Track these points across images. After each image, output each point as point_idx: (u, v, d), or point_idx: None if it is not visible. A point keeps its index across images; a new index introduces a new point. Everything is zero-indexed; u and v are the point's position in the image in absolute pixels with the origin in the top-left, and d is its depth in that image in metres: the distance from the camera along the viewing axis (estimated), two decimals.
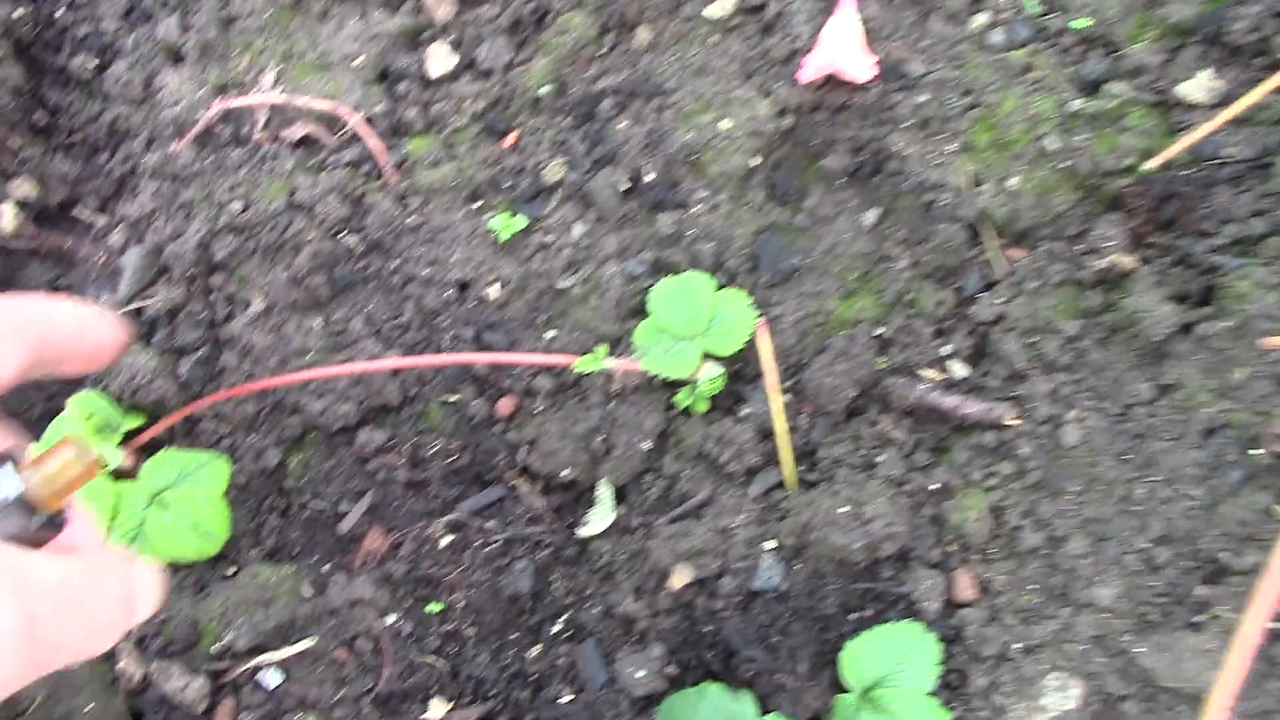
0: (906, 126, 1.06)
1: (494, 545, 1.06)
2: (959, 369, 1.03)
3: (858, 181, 1.08)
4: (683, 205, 1.08)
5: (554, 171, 1.09)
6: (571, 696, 1.04)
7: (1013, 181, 1.03)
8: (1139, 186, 1.00)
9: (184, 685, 1.02)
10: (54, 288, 1.14)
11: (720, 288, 1.05)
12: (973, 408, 1.00)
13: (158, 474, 1.05)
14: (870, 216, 1.07)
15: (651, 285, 1.06)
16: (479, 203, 1.11)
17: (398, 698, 1.05)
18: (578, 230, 1.08)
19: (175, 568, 1.07)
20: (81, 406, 1.05)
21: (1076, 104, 1.03)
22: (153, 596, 0.74)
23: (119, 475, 1.04)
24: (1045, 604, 0.97)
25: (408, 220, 1.10)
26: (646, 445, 1.04)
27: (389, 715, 1.04)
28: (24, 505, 0.67)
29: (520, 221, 1.09)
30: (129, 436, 1.08)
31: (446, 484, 1.08)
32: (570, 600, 1.07)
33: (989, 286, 1.04)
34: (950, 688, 0.98)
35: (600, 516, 1.06)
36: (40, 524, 0.68)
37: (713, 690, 0.96)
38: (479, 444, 1.09)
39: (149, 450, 1.08)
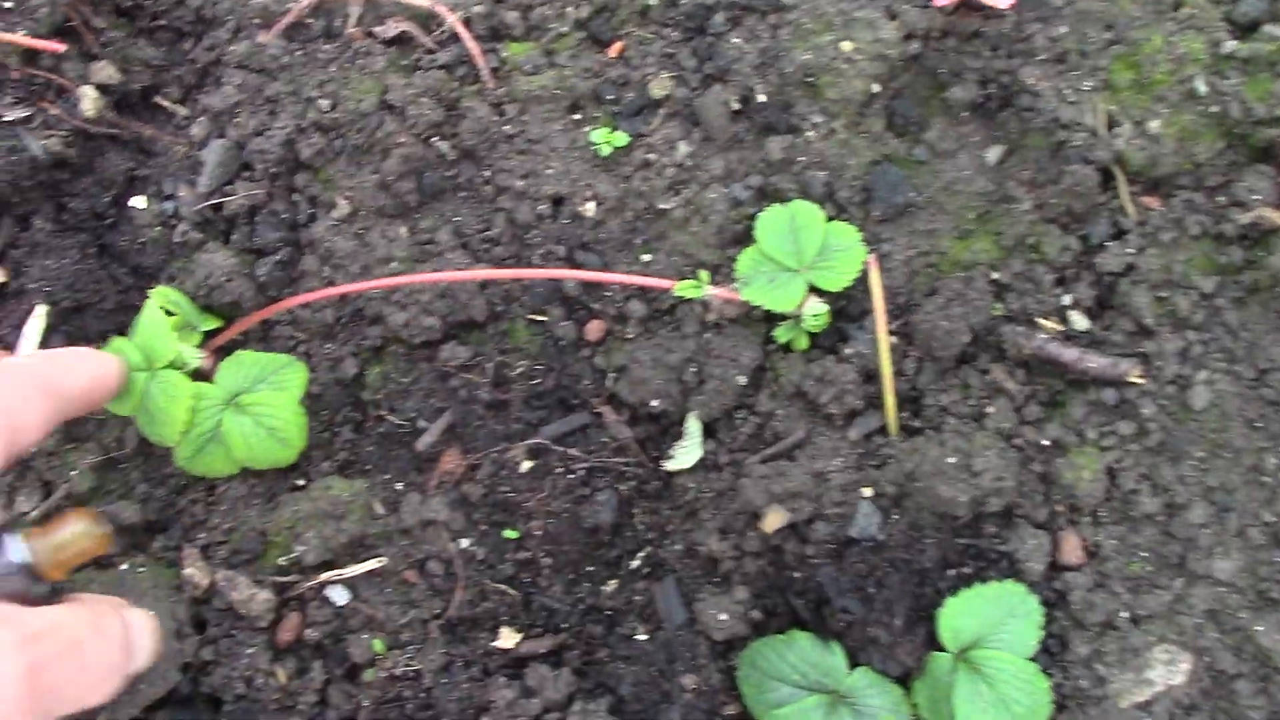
0: (1041, 60, 1.00)
1: (575, 474, 1.02)
2: (1080, 320, 0.97)
3: (984, 115, 1.02)
4: (795, 130, 1.02)
5: (660, 86, 1.04)
6: (647, 635, 1.00)
7: (1153, 125, 0.96)
8: None
9: (250, 596, 0.99)
10: (132, 177, 1.09)
11: (829, 219, 0.99)
12: (1095, 362, 0.94)
13: (235, 376, 1.00)
14: (994, 153, 1.01)
15: (757, 212, 1.00)
16: (579, 115, 1.05)
17: (467, 624, 1.01)
18: (682, 149, 1.03)
19: (245, 475, 1.04)
20: (163, 300, 1.01)
21: (1230, 45, 0.96)
22: (149, 643, 0.73)
23: (196, 376, 1.00)
24: (1157, 573, 0.92)
25: (503, 129, 1.05)
26: (741, 380, 0.99)
27: (457, 642, 1.00)
28: (28, 572, 0.69)
29: (621, 137, 1.04)
30: (207, 338, 1.05)
31: (529, 407, 1.04)
32: (651, 536, 1.02)
33: (1119, 235, 0.98)
34: (1050, 653, 0.93)
35: (688, 451, 1.02)
36: (42, 592, 0.70)
37: (801, 638, 0.92)
38: (565, 367, 1.04)
39: (223, 353, 1.04)
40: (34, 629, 0.62)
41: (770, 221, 0.98)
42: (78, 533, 0.74)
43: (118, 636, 0.69)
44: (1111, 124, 0.98)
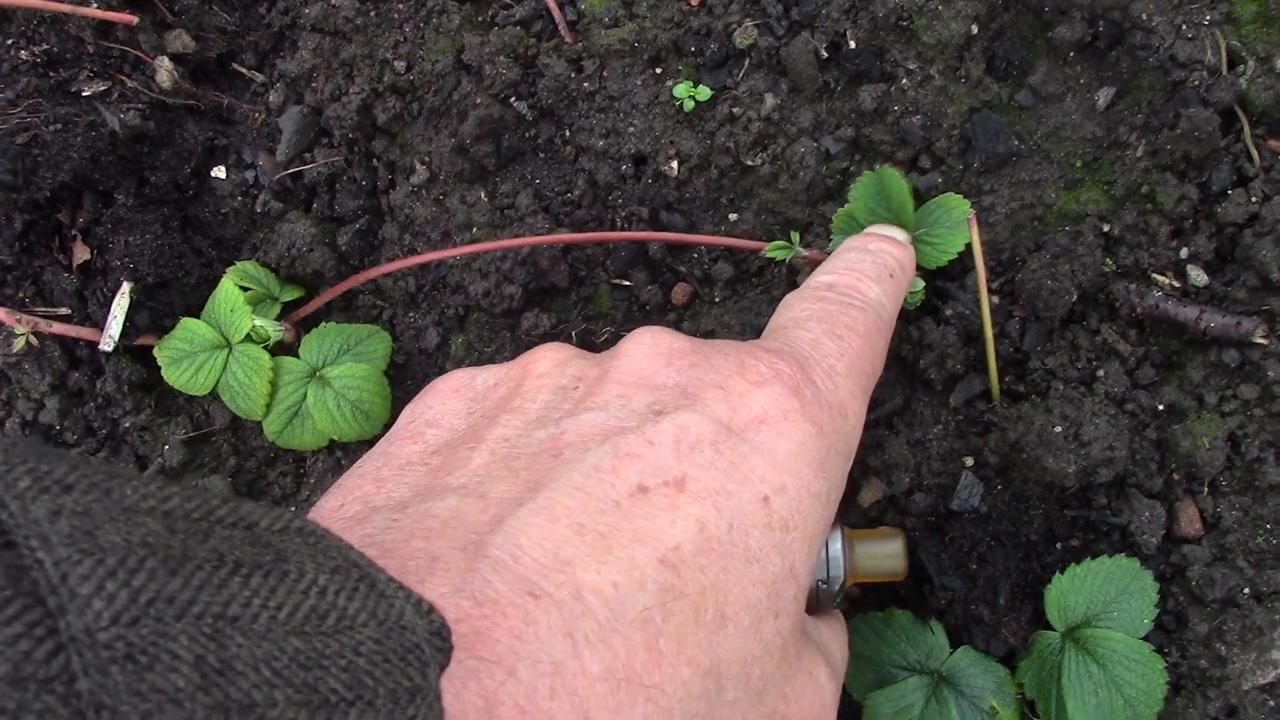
0: None
1: None
2: (1199, 276, 0.91)
3: (1092, 55, 0.95)
4: (889, 77, 0.96)
5: (745, 35, 0.98)
6: None
7: None
8: None
9: None
10: (212, 147, 1.08)
11: (926, 173, 0.94)
12: (1215, 321, 0.88)
13: (318, 348, 1.00)
14: (1104, 96, 0.94)
15: (848, 166, 0.95)
16: (660, 68, 1.01)
17: None
18: (769, 102, 0.98)
19: (333, 446, 1.03)
20: (239, 277, 1.00)
21: None
22: None
23: (281, 349, 0.99)
24: None
25: (582, 85, 1.01)
26: None
27: None
28: (837, 566, 0.69)
29: (705, 91, 0.99)
30: (288, 309, 1.04)
31: None
32: None
33: (1241, 183, 0.91)
34: (1166, 631, 0.88)
35: None
36: (836, 594, 0.70)
37: (900, 617, 0.89)
38: None
39: (309, 324, 1.03)
40: (831, 654, 0.66)
41: (867, 187, 0.92)
42: (891, 553, 0.76)
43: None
44: (1233, 61, 0.90)
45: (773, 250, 0.93)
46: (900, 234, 0.88)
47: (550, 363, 0.67)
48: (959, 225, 0.89)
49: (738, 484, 0.54)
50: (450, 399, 0.67)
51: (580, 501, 0.51)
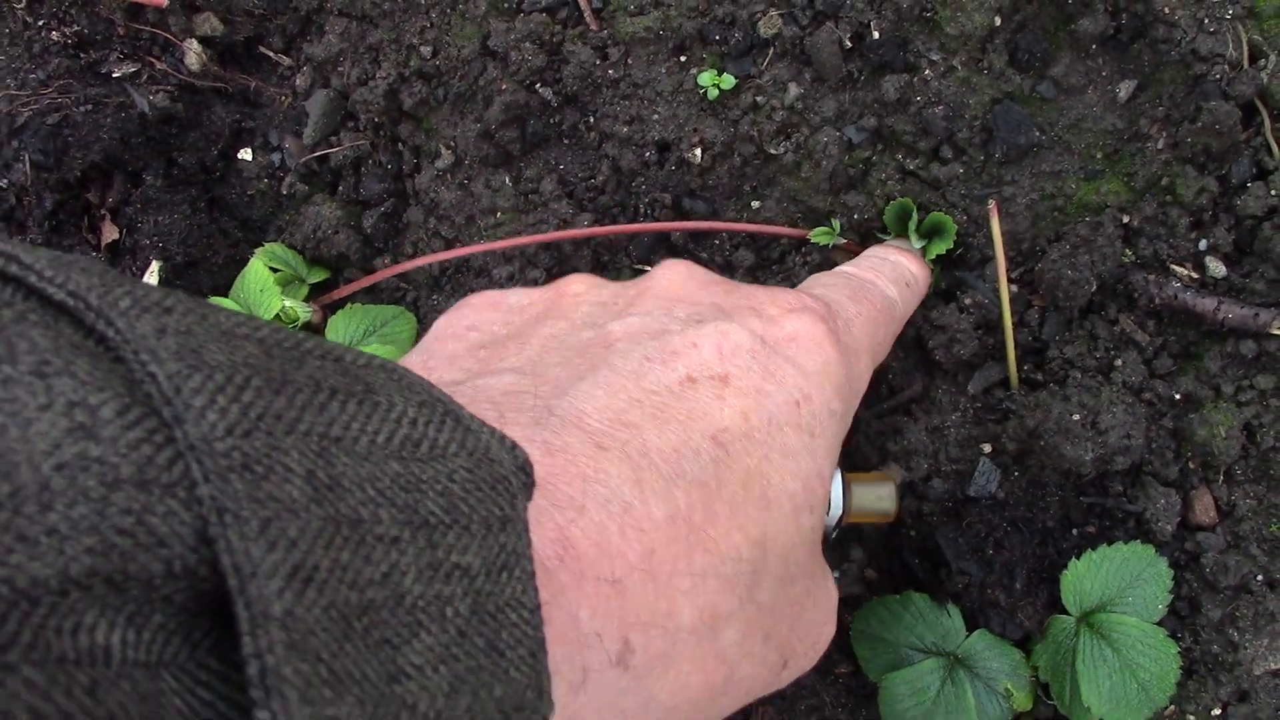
0: None
1: None
2: (1217, 268, 0.92)
3: (1114, 48, 0.95)
4: (912, 68, 0.97)
5: (769, 25, 0.99)
6: None
7: None
8: None
9: None
10: (239, 129, 1.09)
11: (941, 172, 0.95)
12: (1233, 312, 0.89)
13: (344, 329, 1.01)
14: (1125, 89, 0.95)
15: (871, 156, 0.96)
16: (685, 56, 1.02)
17: None
18: (793, 91, 0.99)
19: None
20: (268, 258, 1.02)
21: None
22: None
23: (306, 330, 1.00)
24: None
25: (607, 73, 1.02)
26: None
27: None
28: (837, 505, 0.73)
29: (729, 79, 1.00)
30: (313, 291, 1.05)
31: None
32: None
33: (1261, 176, 0.92)
34: (1179, 617, 0.90)
35: None
36: (832, 530, 0.74)
37: (917, 600, 0.90)
38: None
39: (333, 307, 1.05)
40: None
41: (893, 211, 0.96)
42: (884, 495, 0.78)
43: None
44: (1255, 55, 0.91)
45: (817, 236, 0.95)
46: (917, 248, 0.93)
47: (585, 285, 0.70)
48: (944, 237, 0.93)
49: (774, 386, 0.58)
50: (486, 311, 0.69)
51: (635, 383, 0.55)
